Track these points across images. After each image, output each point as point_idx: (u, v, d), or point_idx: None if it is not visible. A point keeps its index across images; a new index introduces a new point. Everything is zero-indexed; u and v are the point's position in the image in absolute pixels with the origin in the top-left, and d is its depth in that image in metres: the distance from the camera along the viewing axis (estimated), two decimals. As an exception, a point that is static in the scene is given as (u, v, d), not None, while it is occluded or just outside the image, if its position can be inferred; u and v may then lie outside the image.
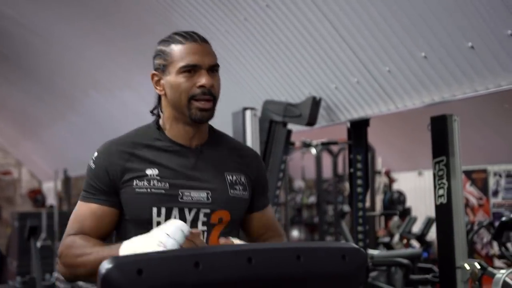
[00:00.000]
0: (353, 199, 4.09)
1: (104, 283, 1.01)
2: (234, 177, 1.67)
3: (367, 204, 5.61)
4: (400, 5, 2.98)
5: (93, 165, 1.63)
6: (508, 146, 6.56)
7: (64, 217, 1.73)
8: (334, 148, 8.08)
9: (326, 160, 8.37)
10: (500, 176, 6.16)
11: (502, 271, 3.05)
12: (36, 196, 13.02)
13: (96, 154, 1.64)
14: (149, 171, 1.59)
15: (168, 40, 1.65)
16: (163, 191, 1.57)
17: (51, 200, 12.24)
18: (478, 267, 3.03)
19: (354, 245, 1.21)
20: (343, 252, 1.17)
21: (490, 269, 3.13)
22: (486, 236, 5.98)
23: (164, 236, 1.37)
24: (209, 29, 4.32)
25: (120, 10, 5.33)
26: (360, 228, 4.07)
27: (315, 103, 3.87)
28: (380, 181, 7.82)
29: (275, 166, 4.06)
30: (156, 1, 4.60)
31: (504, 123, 6.45)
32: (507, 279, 2.98)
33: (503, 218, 4.60)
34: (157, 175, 1.59)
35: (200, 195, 1.60)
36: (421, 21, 2.96)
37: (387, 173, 8.08)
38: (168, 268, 1.04)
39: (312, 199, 9.72)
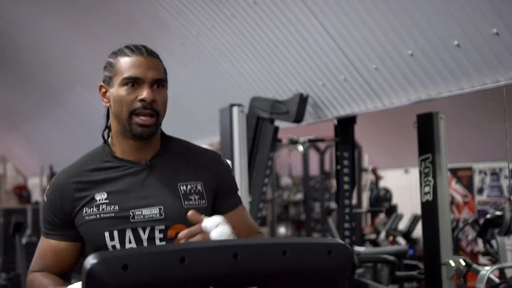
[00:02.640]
0: (339, 196, 4.10)
1: (88, 278, 1.00)
2: (189, 187, 1.61)
3: (354, 201, 5.63)
4: (387, 3, 2.99)
5: (46, 199, 1.62)
6: (493, 144, 6.60)
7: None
8: (321, 145, 8.10)
9: (313, 157, 8.39)
10: (485, 174, 6.21)
11: (487, 267, 3.09)
12: (22, 192, 12.93)
13: (48, 187, 1.64)
14: (98, 196, 1.57)
15: (116, 52, 1.62)
16: (112, 214, 1.55)
17: (36, 196, 12.16)
18: (463, 264, 3.06)
19: (340, 241, 1.21)
20: (329, 248, 1.17)
21: (475, 266, 3.16)
22: (471, 233, 6.03)
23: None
24: (196, 25, 4.31)
25: (105, 4, 5.30)
26: (346, 225, 4.08)
27: (302, 100, 3.88)
28: (367, 178, 7.86)
29: (262, 163, 4.06)
30: (143, -4, 4.58)
31: (489, 122, 6.49)
32: (492, 276, 3.01)
33: (488, 216, 4.64)
34: (105, 199, 1.57)
35: (152, 212, 1.56)
36: (407, 19, 2.97)
37: (374, 171, 8.11)
38: (153, 263, 1.03)
39: (299, 196, 9.74)
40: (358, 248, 4.83)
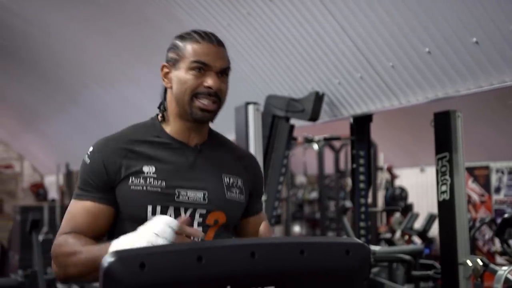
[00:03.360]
0: (355, 195, 4.08)
1: (106, 277, 1.00)
2: (231, 180, 1.65)
3: (369, 200, 5.60)
4: (404, 0, 2.97)
5: (88, 160, 1.58)
6: (511, 143, 6.54)
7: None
8: (336, 144, 8.07)
9: (328, 155, 8.37)
10: (502, 173, 6.15)
11: (504, 268, 3.04)
12: (38, 190, 13.05)
13: (91, 149, 1.60)
14: (146, 168, 1.56)
15: (185, 36, 1.64)
16: (159, 190, 1.55)
17: (53, 194, 12.26)
18: (480, 263, 3.03)
19: (358, 241, 1.20)
20: (347, 247, 1.16)
21: (492, 265, 3.12)
22: (488, 233, 5.98)
23: (153, 236, 1.32)
24: (211, 23, 4.30)
25: (121, 2, 5.31)
26: (362, 224, 4.06)
27: (318, 98, 3.86)
28: (382, 177, 7.82)
29: (277, 161, 4.05)
30: (158, -6, 4.59)
31: (507, 120, 6.43)
32: (509, 276, 2.97)
33: (505, 215, 4.58)
34: (153, 173, 1.56)
35: (197, 195, 1.57)
36: (425, 16, 2.94)
37: (389, 169, 8.07)
38: (170, 262, 1.03)
39: (314, 195, 9.72)
40: (373, 247, 4.80)
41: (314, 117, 3.86)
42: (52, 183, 12.33)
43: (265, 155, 3.97)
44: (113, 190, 1.57)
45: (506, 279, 2.98)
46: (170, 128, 1.64)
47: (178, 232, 1.35)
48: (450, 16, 2.84)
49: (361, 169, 4.07)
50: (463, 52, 2.91)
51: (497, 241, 5.45)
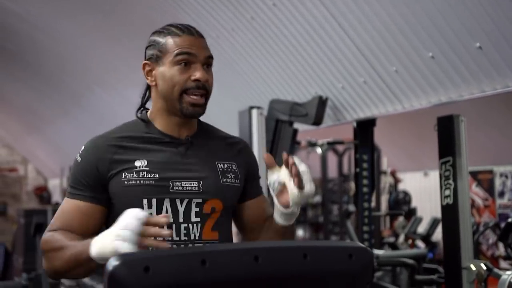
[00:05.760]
0: (358, 199, 4.09)
1: (111, 280, 1.01)
2: (226, 165, 1.64)
3: (373, 204, 5.60)
4: (408, 5, 2.98)
5: (79, 159, 1.58)
6: (515, 147, 6.54)
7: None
8: (340, 148, 8.07)
9: (332, 159, 8.36)
10: (506, 177, 6.14)
11: (508, 272, 3.04)
12: (42, 193, 13.06)
13: (83, 148, 1.60)
14: (138, 163, 1.55)
15: (163, 31, 1.63)
16: (153, 182, 1.54)
17: (57, 197, 12.28)
18: (484, 268, 3.02)
19: (361, 245, 1.21)
20: (350, 252, 1.16)
21: (496, 270, 3.12)
22: (491, 237, 5.97)
23: (119, 228, 1.32)
24: (216, 28, 4.32)
25: (126, 7, 5.34)
26: (365, 228, 4.07)
27: (322, 102, 3.87)
28: (386, 181, 7.81)
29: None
30: (163, -1, 4.61)
31: (510, 124, 6.43)
32: (513, 280, 2.97)
33: (509, 219, 4.59)
34: (146, 166, 1.55)
35: (191, 185, 1.57)
36: (428, 21, 2.95)
37: (393, 173, 8.06)
38: (175, 266, 1.04)
39: (317, 199, 9.70)
40: (377, 251, 4.80)
41: (317, 121, 3.87)
42: (56, 186, 12.35)
43: (268, 159, 3.98)
44: (105, 189, 1.56)
45: (510, 284, 2.98)
46: (159, 124, 1.63)
47: (145, 223, 1.33)
48: (454, 21, 2.84)
49: (365, 173, 4.07)
50: (467, 56, 2.91)
51: (501, 245, 5.44)
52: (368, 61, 3.47)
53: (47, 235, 1.54)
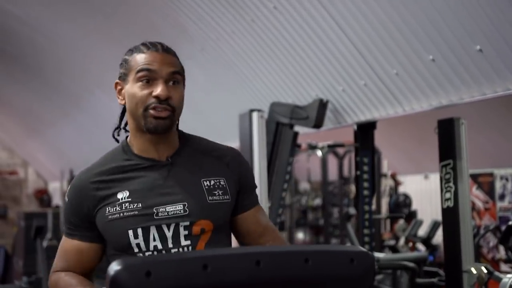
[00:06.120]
0: (359, 202, 4.08)
1: (113, 285, 1.01)
2: (212, 182, 1.58)
3: (373, 207, 5.60)
4: (408, 7, 2.98)
5: (67, 199, 1.61)
6: (515, 149, 6.53)
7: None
8: (340, 151, 8.07)
9: (332, 162, 8.36)
10: (506, 179, 6.14)
11: (509, 275, 3.04)
12: (42, 196, 13.05)
13: (68, 188, 1.63)
14: (120, 195, 1.54)
15: (132, 50, 1.61)
16: (136, 212, 1.52)
17: (57, 200, 12.27)
18: (485, 271, 3.02)
19: (363, 249, 1.20)
20: (351, 256, 1.16)
21: (496, 273, 3.12)
22: (492, 240, 5.96)
23: None
24: (216, 30, 4.32)
25: (127, 10, 5.34)
26: (366, 231, 4.06)
27: (322, 105, 3.87)
28: (386, 183, 7.81)
29: (281, 168, 4.06)
30: (163, 1, 4.61)
31: (511, 127, 6.43)
32: (514, 284, 2.96)
33: (510, 222, 4.58)
34: (128, 197, 1.53)
35: (176, 208, 1.53)
36: (429, 24, 2.95)
37: (393, 176, 8.06)
38: (176, 270, 1.03)
39: (318, 201, 9.70)
40: (377, 254, 4.79)
41: (318, 124, 3.87)
42: (56, 189, 12.35)
43: (269, 162, 3.98)
44: (95, 225, 1.57)
45: (511, 287, 2.97)
46: (136, 146, 1.60)
47: None
48: (454, 24, 2.84)
49: (365, 176, 4.07)
50: (467, 59, 2.92)
51: (501, 248, 5.44)
52: (369, 64, 3.47)
53: (53, 277, 1.60)
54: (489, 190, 6.19)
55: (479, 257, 5.62)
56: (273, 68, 4.22)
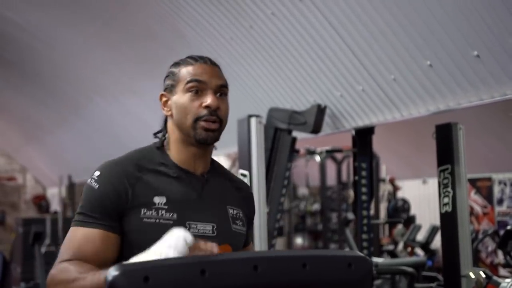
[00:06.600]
0: (357, 207, 4.08)
1: (110, 290, 1.02)
2: (235, 211, 1.65)
3: (372, 212, 5.60)
4: (406, 13, 2.99)
5: (96, 185, 1.52)
6: (513, 154, 6.54)
7: (69, 223, 1.65)
8: (339, 156, 8.07)
9: (330, 167, 8.37)
10: (505, 184, 6.14)
11: (507, 280, 3.05)
12: (41, 202, 13.03)
13: (98, 173, 1.53)
14: (157, 199, 1.52)
15: (179, 62, 1.64)
16: (171, 222, 1.50)
17: (55, 206, 12.25)
18: (483, 276, 3.02)
19: (360, 254, 1.21)
20: (349, 261, 1.17)
21: (495, 278, 3.13)
22: (491, 244, 5.96)
23: (166, 247, 1.28)
24: (215, 36, 4.33)
25: (125, 16, 5.35)
26: (364, 236, 4.06)
27: (320, 110, 3.88)
28: (385, 188, 7.81)
29: (279, 173, 4.06)
30: (161, 7, 4.62)
31: (509, 132, 6.44)
32: (512, 288, 2.97)
33: (508, 227, 4.59)
34: (164, 204, 1.52)
35: (206, 228, 1.55)
36: (426, 29, 2.96)
37: (392, 181, 8.07)
38: (174, 276, 1.04)
39: (316, 207, 9.70)
40: (376, 259, 4.79)
41: (316, 129, 3.87)
42: (55, 195, 12.33)
43: (267, 167, 3.98)
44: (120, 218, 1.51)
45: (509, 292, 2.98)
46: (174, 156, 1.61)
47: (192, 247, 1.31)
48: (451, 30, 2.86)
49: (363, 181, 4.07)
50: (464, 65, 2.92)
51: (500, 253, 5.44)
52: (367, 70, 3.48)
53: (59, 266, 1.45)
54: (487, 195, 6.19)
55: (477, 261, 5.62)
56: (271, 73, 4.23)
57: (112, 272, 1.02)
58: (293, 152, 4.20)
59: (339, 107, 3.91)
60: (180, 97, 1.59)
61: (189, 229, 1.51)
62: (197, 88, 1.58)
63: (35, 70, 8.04)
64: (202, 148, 1.60)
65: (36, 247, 5.50)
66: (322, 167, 8.11)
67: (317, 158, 7.62)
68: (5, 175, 13.28)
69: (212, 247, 1.35)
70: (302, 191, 10.68)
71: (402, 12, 3.00)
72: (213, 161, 1.69)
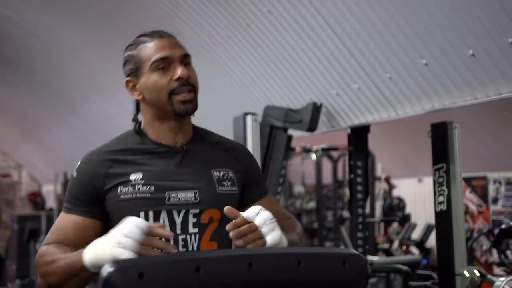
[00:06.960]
0: (353, 205, 4.09)
1: (105, 287, 1.02)
2: (222, 173, 1.63)
3: (367, 210, 5.61)
4: (402, 12, 3.00)
5: (75, 174, 1.60)
6: (508, 153, 6.56)
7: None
8: (334, 154, 8.08)
9: (326, 165, 8.38)
10: (500, 183, 6.15)
11: (502, 278, 3.05)
12: (36, 199, 13.00)
13: (79, 163, 1.62)
14: (133, 176, 1.55)
15: (133, 44, 1.63)
16: (148, 195, 1.54)
17: (50, 203, 12.24)
18: (478, 274, 3.03)
19: (355, 251, 1.21)
20: (344, 258, 1.17)
21: (489, 276, 3.13)
22: (485, 243, 5.98)
23: (121, 236, 1.30)
24: (211, 35, 4.33)
25: (122, 14, 5.34)
26: (359, 234, 4.07)
27: (316, 109, 3.88)
28: (380, 187, 7.83)
29: (275, 171, 4.07)
30: (158, 6, 4.62)
31: (504, 131, 6.46)
32: (507, 287, 2.98)
33: (503, 226, 4.60)
34: (141, 179, 1.55)
35: (188, 195, 1.56)
36: (422, 28, 2.97)
37: (387, 179, 8.08)
38: (169, 272, 1.04)
39: (312, 205, 9.71)
40: (371, 258, 4.81)
41: (312, 127, 3.88)
42: (50, 192, 12.32)
43: (263, 165, 3.99)
44: (101, 203, 1.56)
45: (503, 290, 2.99)
46: (152, 134, 1.62)
47: (147, 233, 1.32)
48: (447, 29, 2.86)
49: (359, 179, 4.08)
50: (460, 64, 2.93)
51: (494, 251, 5.45)
52: (362, 68, 3.49)
53: (42, 249, 1.55)
54: (482, 194, 6.20)
55: (472, 260, 5.63)
56: (267, 71, 4.24)
57: (107, 268, 1.03)
58: (289, 150, 4.20)
59: (335, 106, 3.91)
60: (148, 78, 1.59)
61: (168, 199, 1.54)
62: (163, 65, 1.57)
63: (32, 68, 8.02)
64: (179, 120, 1.61)
65: (31, 244, 5.49)
66: (318, 165, 8.11)
67: (313, 156, 7.63)
68: (1, 172, 13.26)
69: (165, 232, 1.35)
70: (298, 189, 10.69)
71: (398, 11, 3.00)
72: (198, 130, 1.69)
